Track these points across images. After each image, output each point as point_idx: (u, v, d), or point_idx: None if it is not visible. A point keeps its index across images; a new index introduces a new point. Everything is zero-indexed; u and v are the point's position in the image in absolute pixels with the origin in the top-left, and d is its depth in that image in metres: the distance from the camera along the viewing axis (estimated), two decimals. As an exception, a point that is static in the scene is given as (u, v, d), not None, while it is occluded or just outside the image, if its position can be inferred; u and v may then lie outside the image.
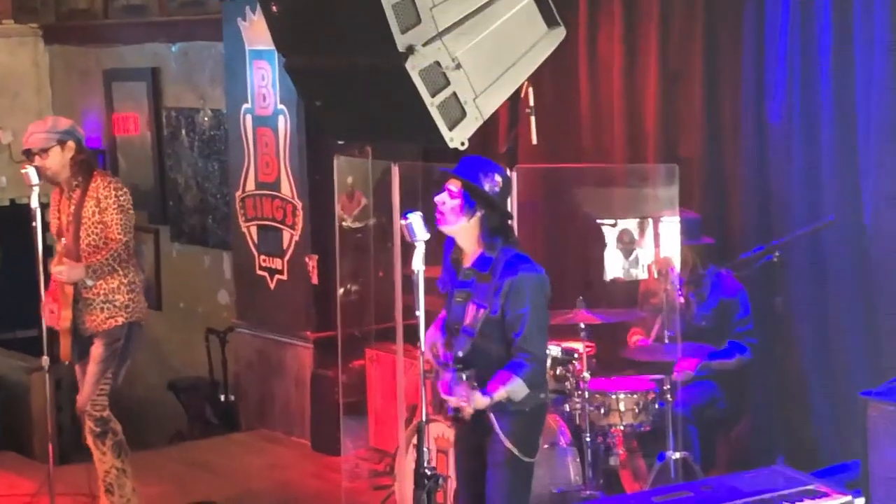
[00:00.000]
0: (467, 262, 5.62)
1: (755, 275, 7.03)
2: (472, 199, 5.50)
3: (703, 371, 7.10)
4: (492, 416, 5.50)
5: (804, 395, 7.09)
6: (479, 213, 5.52)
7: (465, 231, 5.56)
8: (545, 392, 5.74)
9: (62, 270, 7.02)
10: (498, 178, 5.55)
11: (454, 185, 5.51)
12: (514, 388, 5.43)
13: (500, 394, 5.44)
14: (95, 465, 7.28)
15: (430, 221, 5.18)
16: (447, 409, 5.58)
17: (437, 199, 5.53)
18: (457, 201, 5.50)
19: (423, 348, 5.12)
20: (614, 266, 7.68)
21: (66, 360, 7.24)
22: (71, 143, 7.11)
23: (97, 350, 7.16)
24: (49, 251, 7.27)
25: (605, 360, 7.23)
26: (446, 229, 5.56)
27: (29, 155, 7.15)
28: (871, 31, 6.63)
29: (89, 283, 7.06)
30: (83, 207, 7.08)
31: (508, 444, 5.51)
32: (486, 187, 5.50)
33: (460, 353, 5.52)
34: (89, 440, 7.21)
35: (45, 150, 7.08)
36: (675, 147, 7.66)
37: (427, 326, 5.21)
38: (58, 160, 7.10)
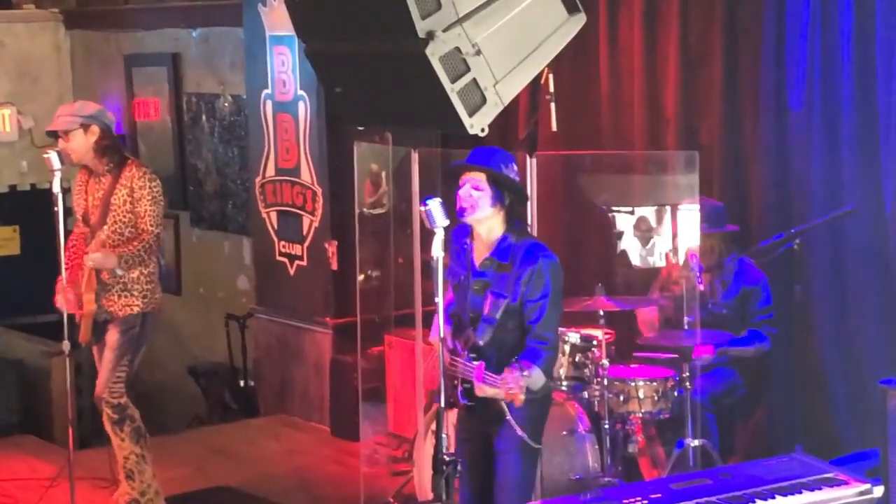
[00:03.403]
0: (485, 252, 5.61)
1: (775, 262, 7.01)
2: (499, 190, 5.52)
3: (722, 358, 7.10)
4: (504, 403, 5.48)
5: (823, 384, 7.07)
6: (506, 202, 5.54)
7: (489, 221, 5.56)
8: (550, 377, 5.74)
9: (97, 258, 7.02)
10: (515, 165, 5.61)
11: (478, 176, 5.52)
12: (534, 378, 5.42)
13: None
14: (115, 451, 7.31)
15: (450, 208, 5.17)
16: (458, 393, 5.55)
17: (462, 192, 5.52)
18: (484, 193, 5.50)
19: (441, 334, 5.11)
20: (631, 254, 7.68)
21: (85, 342, 7.25)
22: (95, 128, 7.10)
23: (112, 337, 7.15)
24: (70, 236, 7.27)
25: (623, 348, 7.23)
26: (473, 220, 5.55)
27: (53, 136, 7.18)
28: (893, 17, 6.60)
29: (119, 272, 7.07)
30: (113, 194, 7.07)
31: (521, 432, 5.50)
32: (511, 176, 5.53)
33: (480, 342, 5.52)
34: (107, 427, 7.21)
35: (67, 133, 7.08)
36: (695, 134, 7.64)
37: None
38: (80, 143, 7.08)
